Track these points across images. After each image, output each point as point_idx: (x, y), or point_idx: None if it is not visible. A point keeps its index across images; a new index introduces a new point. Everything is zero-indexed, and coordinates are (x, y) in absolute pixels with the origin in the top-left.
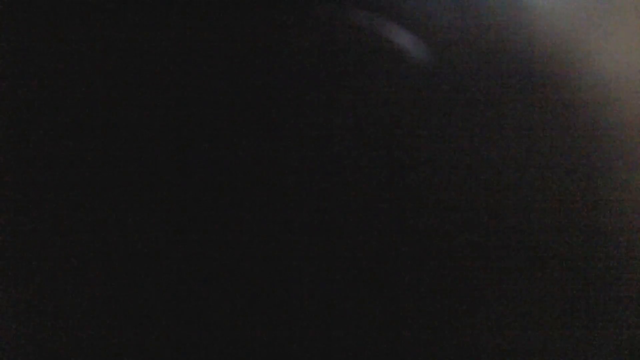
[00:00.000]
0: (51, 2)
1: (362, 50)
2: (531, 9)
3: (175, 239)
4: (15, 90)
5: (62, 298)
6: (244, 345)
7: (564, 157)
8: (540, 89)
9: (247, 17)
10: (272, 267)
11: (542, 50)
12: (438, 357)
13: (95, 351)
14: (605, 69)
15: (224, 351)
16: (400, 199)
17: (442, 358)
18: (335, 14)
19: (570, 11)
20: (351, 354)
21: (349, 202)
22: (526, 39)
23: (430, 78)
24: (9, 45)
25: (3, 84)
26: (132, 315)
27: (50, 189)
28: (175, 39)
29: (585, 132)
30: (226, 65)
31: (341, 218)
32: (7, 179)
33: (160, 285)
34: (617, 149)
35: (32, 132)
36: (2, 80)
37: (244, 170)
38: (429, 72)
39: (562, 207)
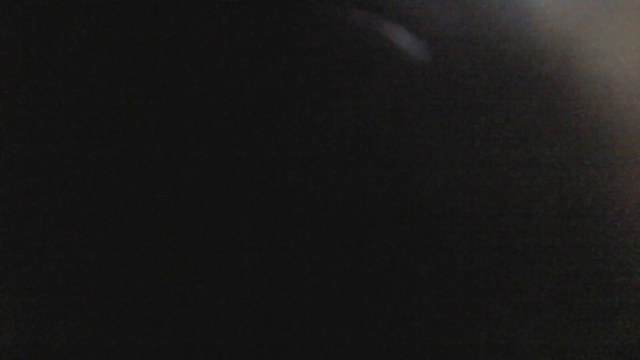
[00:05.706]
0: (51, 2)
1: (362, 50)
2: (531, 9)
3: (175, 239)
4: (15, 90)
5: (61, 298)
6: (243, 345)
7: (563, 156)
8: (540, 88)
9: (247, 17)
10: (271, 267)
11: (542, 50)
12: (438, 357)
13: (95, 351)
14: (605, 69)
15: (224, 351)
16: (400, 198)
17: (442, 358)
18: (335, 14)
19: (570, 11)
20: (351, 354)
21: (349, 202)
22: (526, 38)
23: (430, 78)
24: (9, 45)
25: (3, 84)
26: (132, 315)
27: (50, 189)
28: (175, 39)
29: (585, 132)
30: (226, 65)
31: (341, 217)
32: (7, 179)
33: (160, 286)
34: (617, 149)
35: (31, 132)
36: (2, 80)
37: (244, 170)
38: (429, 72)
39: (561, 206)
